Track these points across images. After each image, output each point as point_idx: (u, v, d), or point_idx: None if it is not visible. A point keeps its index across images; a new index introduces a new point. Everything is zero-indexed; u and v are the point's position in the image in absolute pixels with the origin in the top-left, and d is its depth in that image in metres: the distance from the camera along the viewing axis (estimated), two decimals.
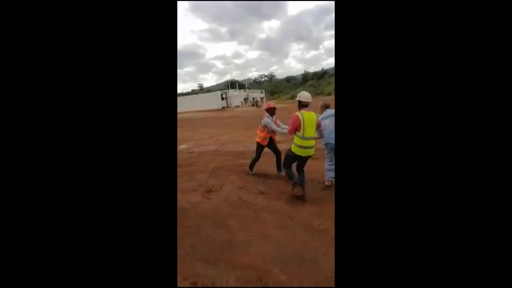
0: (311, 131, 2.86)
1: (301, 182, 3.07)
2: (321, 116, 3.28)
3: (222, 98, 30.83)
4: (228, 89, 33.86)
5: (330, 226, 2.35)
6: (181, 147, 7.66)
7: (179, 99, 37.74)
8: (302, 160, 3.04)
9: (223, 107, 29.62)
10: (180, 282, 1.73)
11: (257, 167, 4.54)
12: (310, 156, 2.99)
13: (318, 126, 3.02)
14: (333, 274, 1.70)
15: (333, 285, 1.61)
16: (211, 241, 2.24)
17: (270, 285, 1.66)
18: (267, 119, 3.87)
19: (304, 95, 2.93)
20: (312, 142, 2.91)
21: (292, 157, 3.00)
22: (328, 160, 3.39)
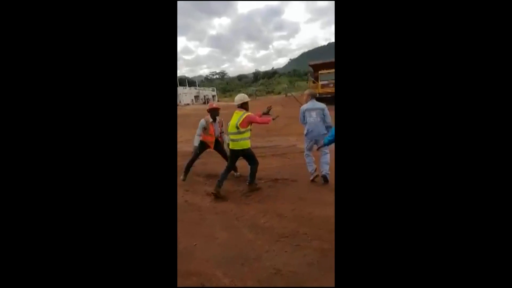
0: (231, 128, 3.15)
1: (250, 174, 3.25)
2: (306, 105, 3.35)
3: None
4: (179, 86, 32.42)
5: (275, 223, 2.42)
6: None
7: None
8: (240, 154, 3.25)
9: None
10: None
11: (205, 167, 4.44)
12: (242, 150, 3.17)
13: (255, 123, 3.18)
14: (275, 271, 1.75)
15: (276, 282, 1.66)
16: None
17: None
18: (202, 122, 3.68)
19: (235, 98, 3.30)
20: (233, 136, 3.14)
21: (230, 151, 3.31)
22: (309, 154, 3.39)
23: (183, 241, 2.20)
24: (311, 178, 3.35)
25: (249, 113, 3.13)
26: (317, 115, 3.28)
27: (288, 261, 1.85)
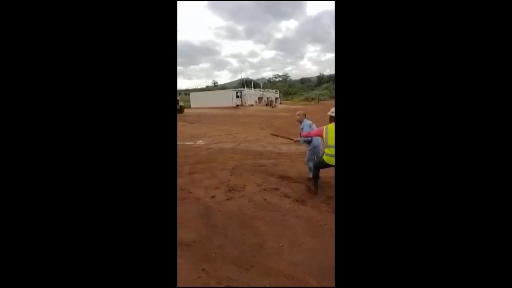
0: (332, 140, 2.97)
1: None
2: (309, 122, 3.70)
3: (237, 96, 30.91)
4: (244, 87, 33.92)
5: None
6: (198, 142, 7.67)
7: (194, 94, 37.99)
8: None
9: (237, 105, 29.68)
10: (213, 285, 1.67)
11: (279, 169, 4.45)
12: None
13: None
14: None
15: None
16: (240, 243, 2.17)
17: None
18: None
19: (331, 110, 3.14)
20: (333, 151, 2.96)
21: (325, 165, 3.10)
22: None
23: (269, 240, 2.22)
24: None
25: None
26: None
27: None
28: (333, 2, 1.06)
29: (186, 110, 23.05)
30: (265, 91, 36.03)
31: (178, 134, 9.48)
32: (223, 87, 66.58)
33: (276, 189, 3.47)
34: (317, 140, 3.63)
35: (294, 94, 48.47)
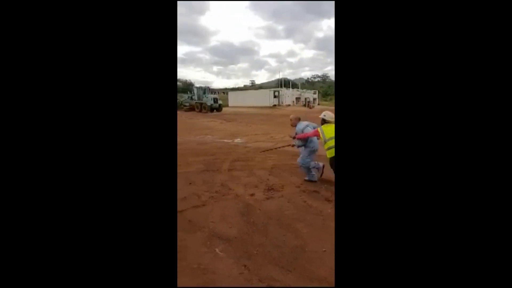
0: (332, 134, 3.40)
1: None
2: (303, 125, 3.92)
3: (275, 96, 30.87)
4: (281, 87, 33.75)
5: None
6: (236, 140, 7.84)
7: (232, 93, 38.88)
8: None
9: (274, 105, 29.65)
10: (255, 283, 1.68)
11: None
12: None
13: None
14: None
15: None
16: (281, 244, 2.15)
17: None
18: None
19: (331, 116, 3.52)
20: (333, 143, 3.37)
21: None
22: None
23: (310, 243, 2.16)
24: None
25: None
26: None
27: None
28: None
29: (224, 109, 23.74)
30: (303, 92, 35.38)
31: (216, 132, 9.82)
32: (260, 86, 67.08)
33: (316, 191, 3.38)
34: (313, 143, 3.84)
35: (333, 95, 46.73)
